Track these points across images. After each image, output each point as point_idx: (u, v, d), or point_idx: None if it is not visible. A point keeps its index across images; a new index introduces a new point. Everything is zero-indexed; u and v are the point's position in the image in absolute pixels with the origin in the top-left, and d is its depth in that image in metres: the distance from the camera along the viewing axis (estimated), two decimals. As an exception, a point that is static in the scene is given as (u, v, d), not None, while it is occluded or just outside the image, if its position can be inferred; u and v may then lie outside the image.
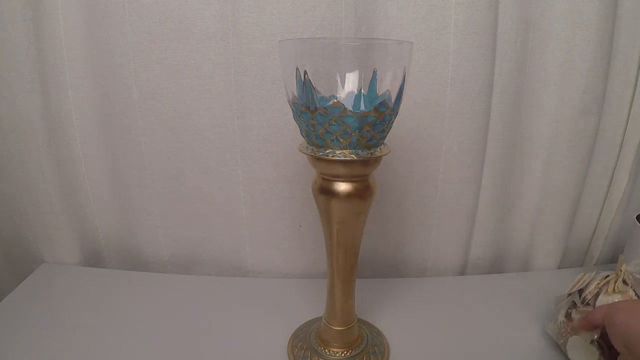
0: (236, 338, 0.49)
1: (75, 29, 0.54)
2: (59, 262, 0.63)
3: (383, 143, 0.38)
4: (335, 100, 0.34)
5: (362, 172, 0.37)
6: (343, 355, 0.45)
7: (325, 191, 0.38)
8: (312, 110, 0.34)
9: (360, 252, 0.42)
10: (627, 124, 0.58)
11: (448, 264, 0.64)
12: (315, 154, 0.36)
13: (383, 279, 0.61)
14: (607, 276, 0.46)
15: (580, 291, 0.46)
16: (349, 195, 0.37)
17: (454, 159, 0.57)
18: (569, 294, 0.47)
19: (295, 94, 0.35)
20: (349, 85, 0.34)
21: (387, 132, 0.37)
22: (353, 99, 0.34)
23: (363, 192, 0.38)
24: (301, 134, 0.38)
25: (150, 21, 0.52)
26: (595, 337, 0.41)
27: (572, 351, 0.43)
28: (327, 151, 0.36)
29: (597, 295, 0.44)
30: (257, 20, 0.50)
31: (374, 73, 0.33)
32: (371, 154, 0.36)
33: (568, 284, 0.48)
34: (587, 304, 0.44)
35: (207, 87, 0.54)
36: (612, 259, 0.67)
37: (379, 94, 0.34)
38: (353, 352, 0.45)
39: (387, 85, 0.34)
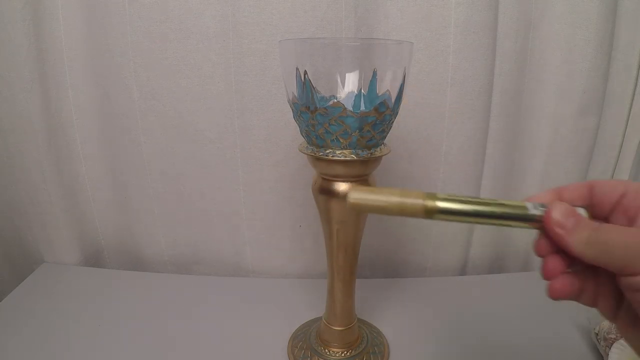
0: (236, 338, 0.49)
1: (75, 29, 0.54)
2: (59, 262, 0.63)
3: (383, 143, 0.38)
4: (335, 100, 0.34)
5: (362, 172, 0.37)
6: (343, 355, 0.45)
7: (325, 191, 0.38)
8: (312, 110, 0.34)
9: (360, 252, 0.42)
10: (627, 124, 0.58)
11: (448, 264, 0.64)
12: (315, 154, 0.36)
13: (383, 279, 0.61)
14: None
15: None
16: (349, 196, 0.37)
17: (454, 159, 0.57)
18: None
19: (295, 94, 0.35)
20: (349, 85, 0.34)
21: (387, 132, 0.37)
22: (353, 99, 0.34)
23: (363, 192, 0.38)
24: (301, 134, 0.38)
25: (150, 21, 0.52)
26: None
27: (618, 351, 0.42)
28: (327, 151, 0.36)
29: None
30: (257, 20, 0.50)
31: (374, 73, 0.33)
32: (371, 154, 0.36)
33: None
34: None
35: (207, 87, 0.54)
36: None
37: (379, 94, 0.34)
38: (353, 352, 0.45)
39: (387, 85, 0.34)
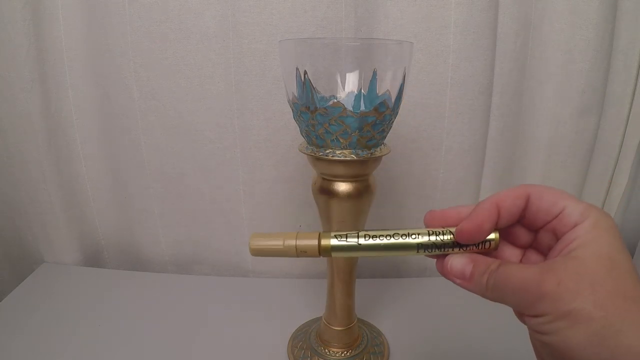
0: (236, 338, 0.49)
1: (75, 29, 0.54)
2: (59, 262, 0.63)
3: (383, 143, 0.38)
4: (335, 100, 0.34)
5: (362, 172, 0.37)
6: (343, 355, 0.45)
7: (325, 191, 0.38)
8: (312, 110, 0.34)
9: (360, 252, 0.42)
10: (627, 124, 0.58)
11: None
12: (315, 154, 0.36)
13: (383, 279, 0.61)
14: None
15: None
16: (349, 195, 0.37)
17: (454, 159, 0.57)
18: None
19: (295, 94, 0.35)
20: (349, 85, 0.34)
21: (387, 132, 0.37)
22: (353, 99, 0.34)
23: (363, 192, 0.38)
24: (301, 134, 0.38)
25: (150, 21, 0.52)
26: None
27: None
28: (327, 151, 0.36)
29: None
30: (257, 20, 0.50)
31: (374, 73, 0.33)
32: (371, 154, 0.36)
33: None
34: None
35: (207, 87, 0.54)
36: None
37: (379, 94, 0.34)
38: (353, 352, 0.45)
39: (387, 85, 0.34)
